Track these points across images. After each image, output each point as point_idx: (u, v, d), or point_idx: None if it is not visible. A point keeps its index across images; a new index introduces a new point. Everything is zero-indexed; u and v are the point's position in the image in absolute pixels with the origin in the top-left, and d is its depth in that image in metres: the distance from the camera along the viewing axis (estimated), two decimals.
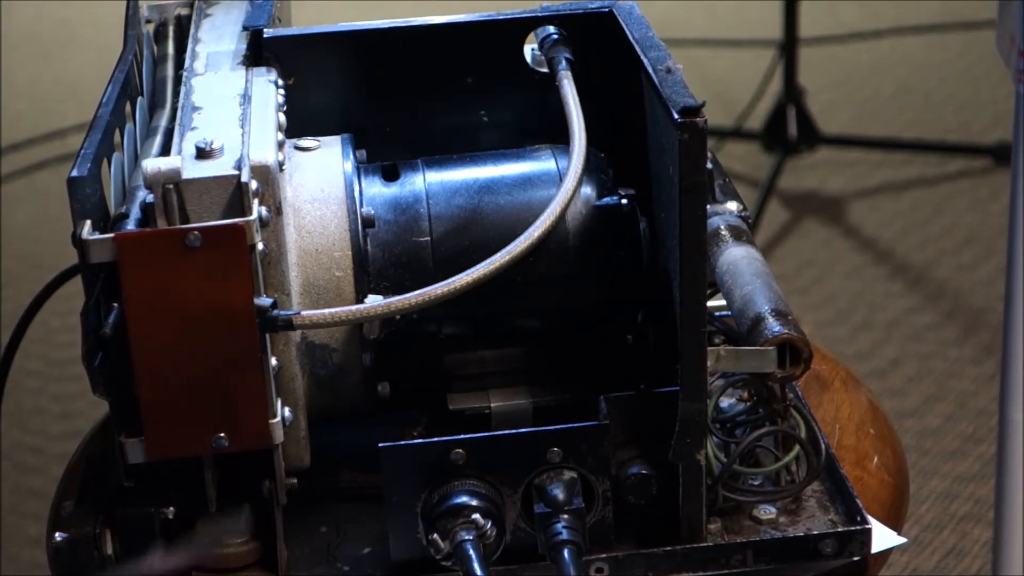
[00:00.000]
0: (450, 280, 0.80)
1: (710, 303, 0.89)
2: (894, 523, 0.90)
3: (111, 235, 0.76)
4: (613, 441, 0.82)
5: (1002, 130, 2.91)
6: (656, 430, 0.81)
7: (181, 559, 0.81)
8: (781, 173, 2.81)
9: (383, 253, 0.86)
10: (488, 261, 0.81)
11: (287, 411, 0.81)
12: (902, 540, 0.87)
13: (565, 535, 0.78)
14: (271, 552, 0.83)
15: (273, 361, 0.80)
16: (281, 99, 0.89)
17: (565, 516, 0.79)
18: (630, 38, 0.89)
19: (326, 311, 0.79)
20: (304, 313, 0.79)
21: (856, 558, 0.84)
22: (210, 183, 0.77)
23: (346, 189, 0.86)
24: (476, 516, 0.78)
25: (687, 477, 0.81)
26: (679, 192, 0.76)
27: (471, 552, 0.77)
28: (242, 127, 0.83)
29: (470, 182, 0.89)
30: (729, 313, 0.88)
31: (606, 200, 0.88)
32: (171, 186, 0.76)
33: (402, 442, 0.81)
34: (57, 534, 0.81)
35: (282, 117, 0.87)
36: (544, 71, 0.96)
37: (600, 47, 0.95)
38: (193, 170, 0.77)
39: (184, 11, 1.04)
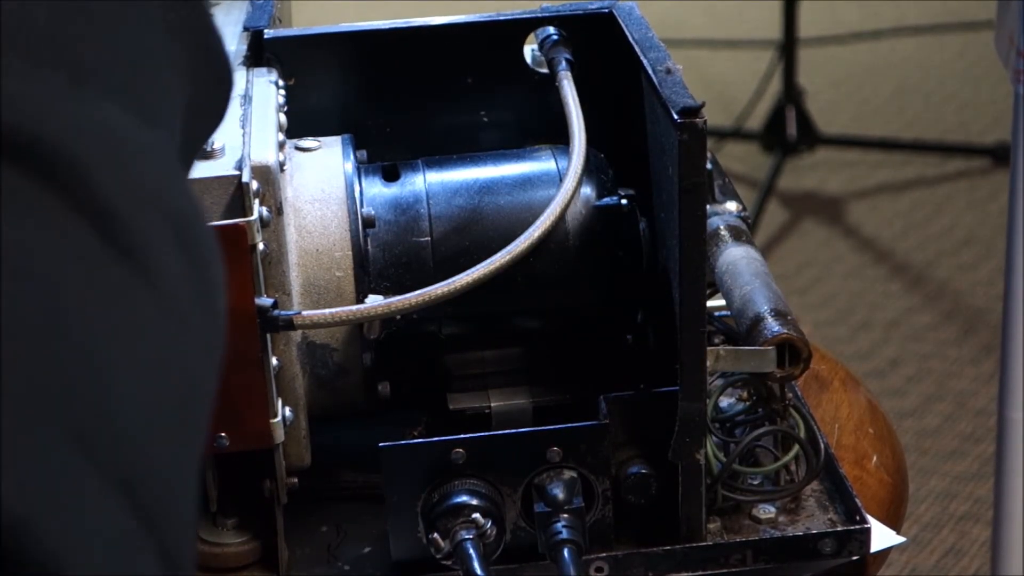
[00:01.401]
0: (450, 280, 0.80)
1: (710, 303, 0.90)
2: (893, 522, 0.90)
3: None
4: (613, 441, 0.82)
5: (1001, 130, 2.91)
6: (656, 430, 0.81)
7: None
8: (780, 173, 2.82)
9: (383, 253, 0.86)
10: (488, 261, 0.81)
11: (288, 411, 0.81)
12: (901, 539, 0.88)
13: (565, 534, 0.79)
14: (271, 552, 0.83)
15: (274, 361, 0.80)
16: (282, 99, 0.89)
17: (565, 515, 0.79)
18: (630, 39, 0.89)
19: (327, 311, 0.80)
20: (305, 313, 0.79)
21: (855, 557, 0.84)
22: (211, 183, 0.77)
23: (347, 189, 0.86)
24: (476, 515, 0.79)
25: (686, 477, 0.81)
26: (679, 192, 0.76)
27: (471, 551, 0.77)
28: (243, 127, 0.83)
29: (470, 182, 0.89)
30: (729, 313, 0.89)
31: (606, 200, 0.88)
32: None
33: (402, 442, 0.81)
34: None
35: (283, 117, 0.87)
36: (544, 71, 0.96)
37: (600, 47, 0.95)
38: (194, 170, 0.78)
39: None
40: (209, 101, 0.48)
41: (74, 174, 0.35)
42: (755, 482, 0.86)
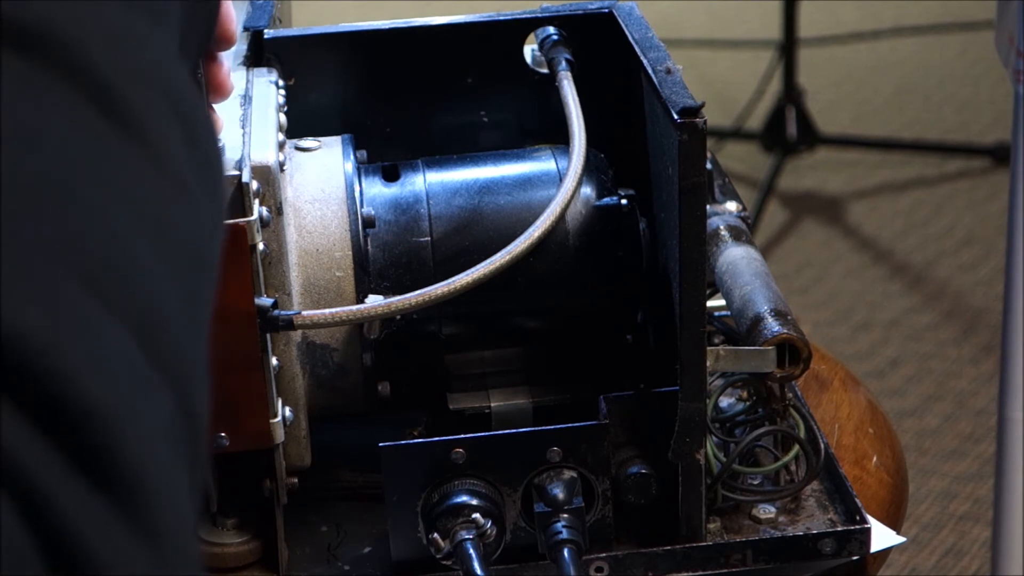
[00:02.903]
0: (450, 280, 0.80)
1: (710, 303, 0.90)
2: (893, 522, 0.90)
3: None
4: (613, 441, 0.82)
5: (1001, 130, 2.91)
6: (656, 430, 0.81)
7: None
8: (780, 173, 2.82)
9: (383, 253, 0.86)
10: (488, 261, 0.81)
11: (288, 411, 0.81)
12: (901, 539, 0.88)
13: (565, 534, 0.79)
14: (271, 551, 0.83)
15: (274, 361, 0.80)
16: (282, 99, 0.89)
17: (565, 515, 0.79)
18: (630, 39, 0.89)
19: (327, 311, 0.80)
20: (305, 313, 0.79)
21: (855, 557, 0.84)
22: None
23: (347, 189, 0.86)
24: (476, 515, 0.79)
25: (687, 476, 0.81)
26: (679, 192, 0.76)
27: (471, 551, 0.77)
28: (243, 128, 0.83)
29: (470, 182, 0.89)
30: (729, 313, 0.89)
31: (606, 200, 0.88)
32: None
33: (402, 442, 0.81)
34: None
35: (283, 117, 0.87)
36: (544, 71, 0.96)
37: (600, 47, 0.95)
38: None
39: None
40: (196, 21, 0.52)
41: (74, 57, 0.39)
42: (755, 482, 0.86)
